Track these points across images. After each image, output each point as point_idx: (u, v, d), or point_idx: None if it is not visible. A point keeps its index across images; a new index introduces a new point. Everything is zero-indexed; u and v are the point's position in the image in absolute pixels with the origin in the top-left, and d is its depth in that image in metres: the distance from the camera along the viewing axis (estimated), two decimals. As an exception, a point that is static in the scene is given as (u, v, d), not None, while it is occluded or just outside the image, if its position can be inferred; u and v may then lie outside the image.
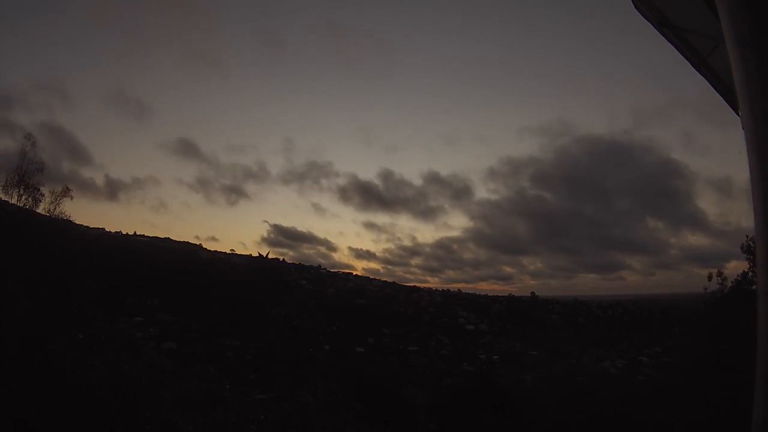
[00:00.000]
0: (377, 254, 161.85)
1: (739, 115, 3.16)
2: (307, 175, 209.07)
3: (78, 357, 9.49)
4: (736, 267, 14.74)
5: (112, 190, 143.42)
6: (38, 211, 12.90)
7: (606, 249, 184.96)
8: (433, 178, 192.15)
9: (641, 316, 70.04)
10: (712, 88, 4.81)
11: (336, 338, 46.64)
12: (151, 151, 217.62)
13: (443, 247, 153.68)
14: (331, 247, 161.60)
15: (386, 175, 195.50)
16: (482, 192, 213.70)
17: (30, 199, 12.69)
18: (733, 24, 2.43)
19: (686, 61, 4.69)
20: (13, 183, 12.51)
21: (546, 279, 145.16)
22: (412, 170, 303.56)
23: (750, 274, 13.31)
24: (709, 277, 14.55)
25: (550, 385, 19.14)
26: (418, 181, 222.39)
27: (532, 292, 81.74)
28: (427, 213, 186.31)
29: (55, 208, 13.07)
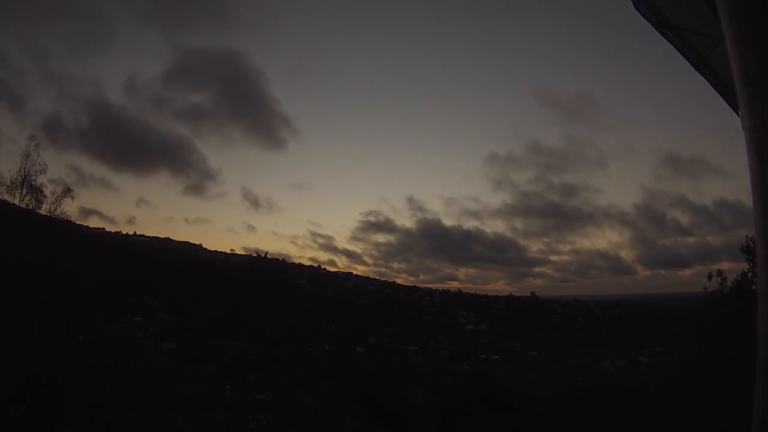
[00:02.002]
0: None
1: (739, 115, 3.15)
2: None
3: (78, 357, 9.49)
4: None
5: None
6: (40, 211, 12.92)
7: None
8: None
9: (641, 316, 70.03)
10: (712, 88, 4.82)
11: (336, 338, 46.65)
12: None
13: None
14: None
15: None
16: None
17: (32, 199, 12.71)
18: (733, 24, 2.43)
19: (686, 61, 4.70)
20: (16, 184, 12.53)
21: (546, 279, 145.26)
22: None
23: (750, 274, 13.31)
24: (709, 277, 14.57)
25: (550, 385, 19.14)
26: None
27: (532, 292, 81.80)
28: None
29: (56, 209, 13.09)
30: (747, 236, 13.20)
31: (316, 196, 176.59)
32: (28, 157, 12.71)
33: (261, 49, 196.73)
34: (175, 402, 10.49)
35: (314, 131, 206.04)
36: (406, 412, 20.45)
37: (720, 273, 14.55)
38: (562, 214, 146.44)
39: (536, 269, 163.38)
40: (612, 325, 67.94)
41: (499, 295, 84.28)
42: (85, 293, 11.87)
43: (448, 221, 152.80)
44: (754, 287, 11.98)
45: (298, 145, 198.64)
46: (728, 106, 4.70)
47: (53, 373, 8.79)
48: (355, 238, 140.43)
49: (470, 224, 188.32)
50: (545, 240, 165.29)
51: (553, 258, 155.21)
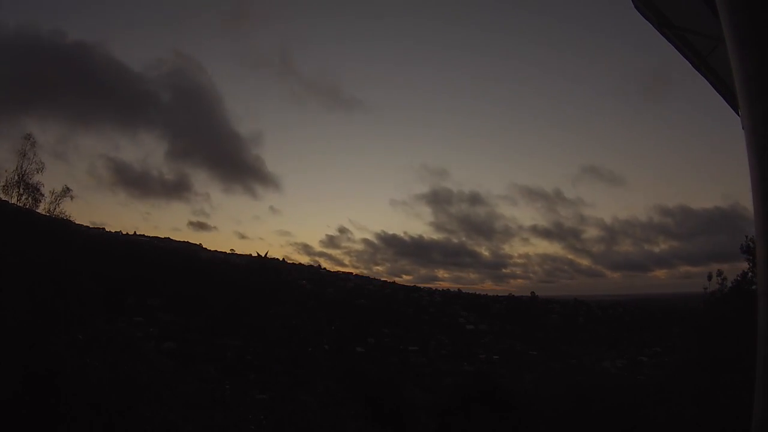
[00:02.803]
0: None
1: (739, 115, 3.16)
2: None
3: (78, 357, 9.49)
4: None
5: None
6: (38, 211, 12.89)
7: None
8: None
9: (641, 316, 70.04)
10: (712, 88, 4.82)
11: (336, 338, 46.63)
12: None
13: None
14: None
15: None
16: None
17: (30, 198, 12.68)
18: (733, 24, 2.43)
19: (686, 61, 4.70)
20: (12, 183, 12.49)
21: (547, 279, 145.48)
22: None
23: (750, 274, 13.30)
24: (709, 277, 14.54)
25: (550, 385, 19.14)
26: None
27: (532, 292, 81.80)
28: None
29: (55, 208, 13.06)
30: (747, 236, 13.21)
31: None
32: (24, 155, 12.66)
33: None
34: (175, 402, 10.48)
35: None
36: (406, 412, 20.46)
37: (720, 273, 14.54)
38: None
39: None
40: (612, 325, 67.96)
41: (499, 295, 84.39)
42: (85, 293, 11.85)
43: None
44: (754, 287, 11.98)
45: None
46: (728, 106, 4.71)
47: (52, 373, 8.79)
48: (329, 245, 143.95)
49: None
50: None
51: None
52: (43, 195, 12.76)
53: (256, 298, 44.04)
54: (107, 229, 76.75)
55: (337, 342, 45.13)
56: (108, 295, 20.82)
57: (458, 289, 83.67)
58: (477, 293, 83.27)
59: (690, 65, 4.71)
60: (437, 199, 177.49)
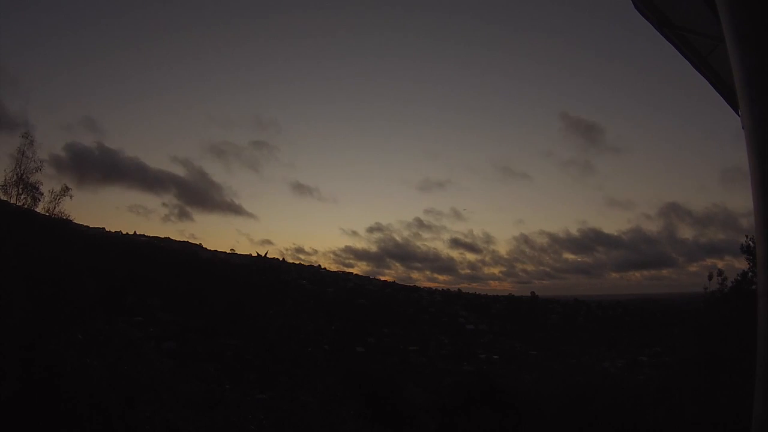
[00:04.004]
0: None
1: (739, 115, 3.15)
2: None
3: (78, 357, 9.49)
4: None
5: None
6: (37, 210, 12.88)
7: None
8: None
9: (641, 316, 70.06)
10: (712, 88, 4.82)
11: (336, 338, 46.58)
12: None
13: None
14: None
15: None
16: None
17: (29, 198, 12.66)
18: (733, 24, 2.43)
19: (686, 61, 4.70)
20: (11, 182, 12.47)
21: (546, 279, 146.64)
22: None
23: (750, 274, 13.29)
24: (710, 277, 14.54)
25: (550, 385, 19.14)
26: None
27: (532, 292, 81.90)
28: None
29: (54, 208, 13.04)
30: (747, 236, 13.21)
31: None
32: (23, 155, 12.64)
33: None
34: (175, 402, 10.48)
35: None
36: (406, 412, 20.45)
37: (720, 273, 14.54)
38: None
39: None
40: (612, 325, 67.97)
41: (499, 295, 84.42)
42: (85, 293, 11.85)
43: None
44: (754, 287, 11.97)
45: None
46: (728, 106, 4.71)
47: (52, 373, 8.79)
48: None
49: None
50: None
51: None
52: (42, 194, 12.76)
53: (256, 298, 44.07)
54: (107, 229, 76.79)
55: (337, 342, 45.12)
56: (108, 294, 20.85)
57: (458, 289, 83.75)
58: (477, 293, 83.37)
59: (690, 65, 4.71)
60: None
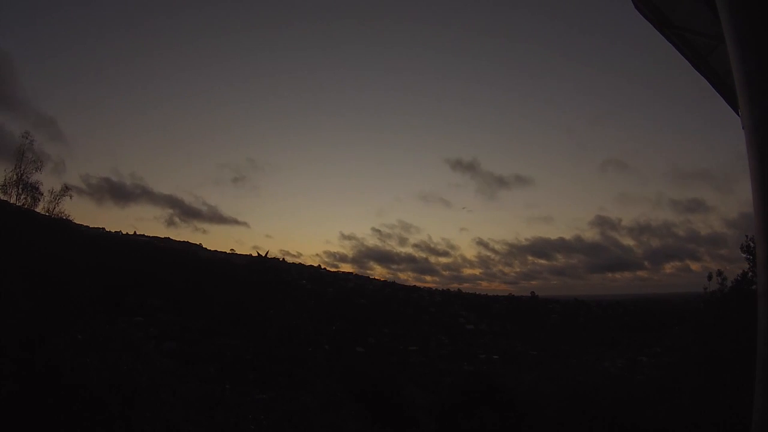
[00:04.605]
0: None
1: (739, 115, 3.15)
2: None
3: (78, 357, 9.48)
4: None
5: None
6: (37, 210, 12.88)
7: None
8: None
9: (641, 316, 70.05)
10: (712, 88, 4.82)
11: (336, 338, 46.68)
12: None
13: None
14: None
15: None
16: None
17: (29, 198, 12.66)
18: (733, 24, 2.43)
19: (686, 61, 4.70)
20: (11, 182, 12.47)
21: (546, 279, 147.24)
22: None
23: (750, 274, 13.30)
24: (709, 277, 14.55)
25: (550, 385, 19.13)
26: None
27: (532, 292, 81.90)
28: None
29: (54, 208, 13.04)
30: (747, 236, 13.21)
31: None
32: (23, 155, 12.64)
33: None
34: (175, 402, 10.47)
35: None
36: (406, 412, 20.44)
37: (720, 273, 14.54)
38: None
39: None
40: (612, 325, 67.94)
41: (499, 295, 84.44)
42: (85, 293, 11.85)
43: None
44: (754, 287, 11.97)
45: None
46: (728, 106, 4.71)
47: (52, 373, 8.79)
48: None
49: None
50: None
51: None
52: (42, 194, 12.76)
53: (257, 298, 44.04)
54: (107, 229, 76.78)
55: (337, 342, 45.16)
56: (108, 294, 20.85)
57: (458, 289, 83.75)
58: (477, 293, 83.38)
59: (690, 65, 4.71)
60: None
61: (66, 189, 13.24)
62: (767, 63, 2.29)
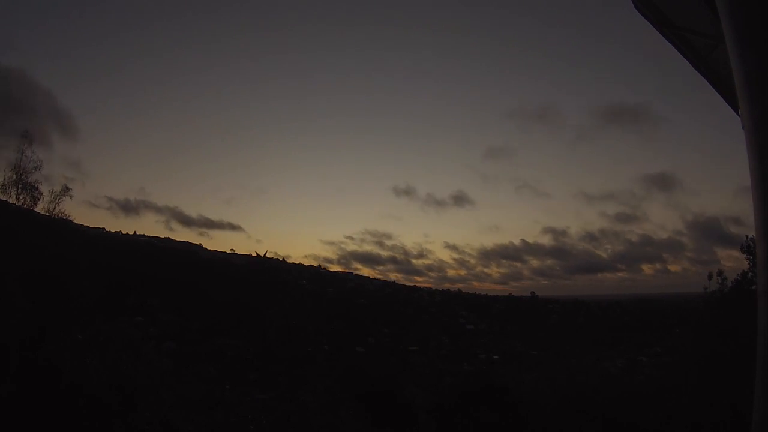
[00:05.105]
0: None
1: (739, 115, 3.15)
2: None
3: (78, 357, 9.49)
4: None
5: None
6: (37, 210, 12.87)
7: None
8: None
9: (641, 316, 70.04)
10: (712, 88, 4.82)
11: (335, 338, 46.67)
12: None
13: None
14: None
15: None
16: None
17: (28, 198, 12.65)
18: (733, 24, 2.43)
19: (686, 61, 4.70)
20: (10, 182, 12.46)
21: (546, 279, 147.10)
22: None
23: (750, 274, 13.31)
24: (709, 277, 14.56)
25: (550, 385, 19.14)
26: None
27: (532, 292, 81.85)
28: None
29: (54, 208, 13.03)
30: (747, 236, 13.23)
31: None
32: (22, 154, 12.63)
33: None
34: (175, 402, 10.48)
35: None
36: (406, 412, 20.44)
37: (720, 273, 14.55)
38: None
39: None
40: (612, 325, 67.93)
41: (499, 295, 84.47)
42: (85, 293, 11.86)
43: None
44: (754, 287, 11.98)
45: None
46: (728, 106, 4.71)
47: (52, 373, 8.79)
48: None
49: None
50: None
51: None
52: (41, 194, 12.75)
53: (257, 298, 44.10)
54: (107, 229, 76.75)
55: (336, 342, 45.16)
56: (108, 294, 20.85)
57: (458, 289, 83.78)
58: (477, 293, 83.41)
59: (690, 65, 4.72)
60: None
61: (66, 189, 13.24)
62: (767, 63, 2.29)
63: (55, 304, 10.46)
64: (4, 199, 12.19)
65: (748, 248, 13.26)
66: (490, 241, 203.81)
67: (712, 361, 12.23)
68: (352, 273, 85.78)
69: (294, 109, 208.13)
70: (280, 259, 76.69)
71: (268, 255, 70.78)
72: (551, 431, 15.45)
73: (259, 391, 19.60)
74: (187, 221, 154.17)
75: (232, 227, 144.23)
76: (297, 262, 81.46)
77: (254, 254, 72.94)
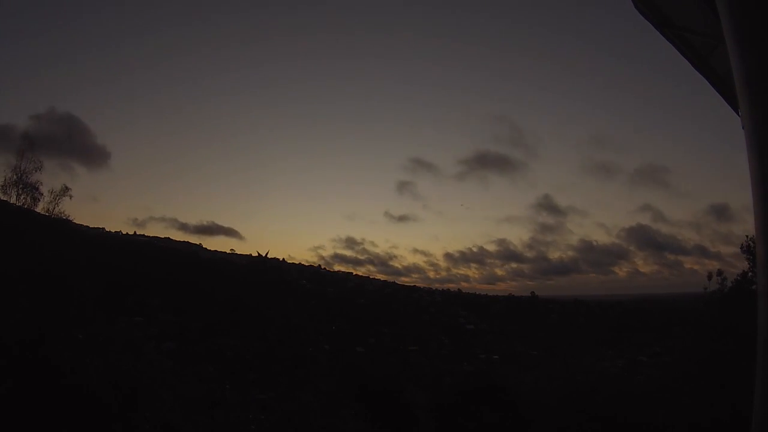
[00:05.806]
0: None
1: (739, 115, 3.15)
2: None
3: (77, 357, 9.48)
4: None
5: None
6: (37, 210, 12.90)
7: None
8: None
9: (641, 316, 69.97)
10: (712, 87, 4.82)
11: (336, 338, 46.67)
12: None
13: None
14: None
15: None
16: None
17: (29, 198, 12.68)
18: (733, 24, 2.43)
19: (686, 61, 4.70)
20: (11, 182, 12.50)
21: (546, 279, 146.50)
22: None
23: (750, 274, 13.32)
24: (709, 277, 14.59)
25: (550, 385, 19.16)
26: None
27: (532, 292, 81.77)
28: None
29: (54, 208, 13.06)
30: (747, 236, 13.24)
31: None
32: (22, 155, 12.67)
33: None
34: (175, 402, 10.48)
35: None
36: (406, 411, 20.45)
37: (720, 273, 14.58)
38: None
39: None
40: (612, 325, 67.84)
41: (499, 295, 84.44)
42: (85, 292, 11.86)
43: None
44: (754, 287, 11.99)
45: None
46: (728, 106, 4.71)
47: (51, 374, 8.79)
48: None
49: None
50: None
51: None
52: (41, 194, 12.78)
53: (257, 298, 44.09)
54: (107, 229, 76.69)
55: (337, 342, 45.15)
56: (108, 294, 20.84)
57: (458, 289, 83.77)
58: (477, 293, 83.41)
59: (690, 65, 4.72)
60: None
61: (66, 189, 13.26)
62: (767, 63, 2.29)
63: (55, 304, 10.46)
64: (5, 199, 12.22)
65: (748, 248, 13.27)
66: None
67: (712, 361, 12.24)
68: (352, 273, 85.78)
69: (288, 114, 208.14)
70: (281, 259, 76.71)
71: (268, 255, 70.73)
72: (551, 431, 15.45)
73: (259, 391, 19.58)
74: (183, 228, 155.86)
75: (230, 233, 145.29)
76: (297, 262, 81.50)
77: (254, 254, 72.88)
